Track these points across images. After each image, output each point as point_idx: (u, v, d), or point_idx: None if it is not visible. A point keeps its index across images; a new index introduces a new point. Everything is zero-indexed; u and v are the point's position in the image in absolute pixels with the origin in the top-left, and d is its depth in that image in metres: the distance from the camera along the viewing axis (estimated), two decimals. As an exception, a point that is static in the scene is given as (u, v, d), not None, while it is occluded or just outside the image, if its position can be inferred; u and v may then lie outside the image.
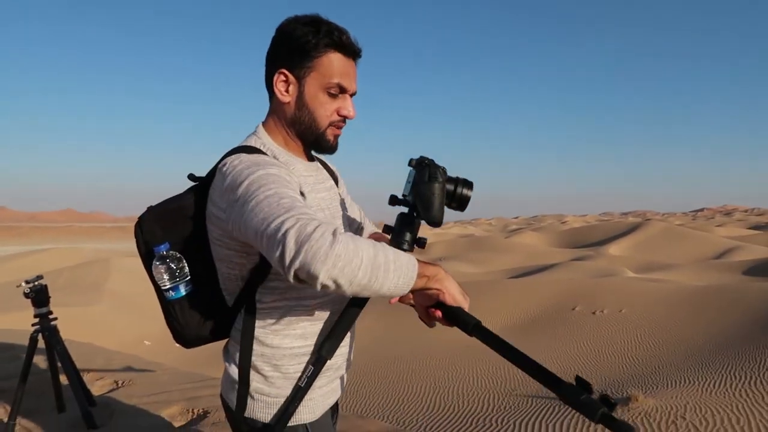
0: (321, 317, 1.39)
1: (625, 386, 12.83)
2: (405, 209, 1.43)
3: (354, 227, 1.63)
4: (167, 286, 1.34)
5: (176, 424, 3.51)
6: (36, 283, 3.21)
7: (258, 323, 1.35)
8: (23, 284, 3.13)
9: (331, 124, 1.38)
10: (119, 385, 4.49)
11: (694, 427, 9.93)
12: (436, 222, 1.35)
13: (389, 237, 1.48)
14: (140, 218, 1.40)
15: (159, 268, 1.34)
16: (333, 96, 1.37)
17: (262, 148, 1.35)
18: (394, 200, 1.44)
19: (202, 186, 1.36)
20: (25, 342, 3.32)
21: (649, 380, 13.38)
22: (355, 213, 1.66)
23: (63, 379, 3.46)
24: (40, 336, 3.27)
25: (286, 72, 1.35)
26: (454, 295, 1.25)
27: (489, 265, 54.25)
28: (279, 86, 1.36)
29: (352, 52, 1.37)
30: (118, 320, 25.27)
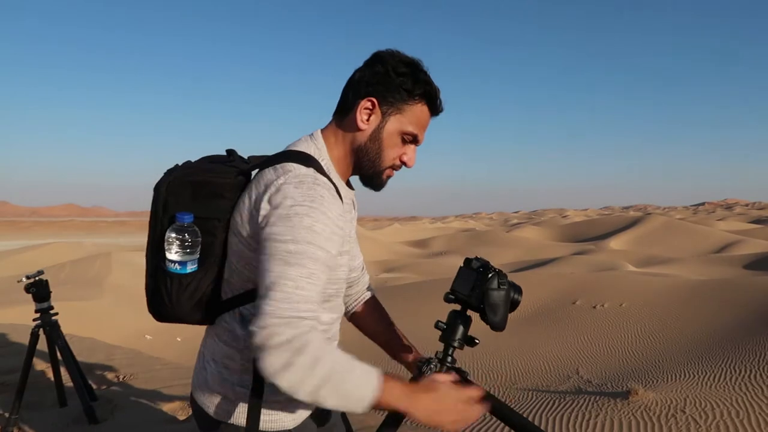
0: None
1: (625, 380, 12.86)
2: (457, 306, 1.51)
3: (355, 265, 1.66)
4: (175, 259, 1.29)
5: (178, 419, 3.53)
6: (37, 278, 3.22)
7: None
8: (24, 279, 3.14)
9: (391, 166, 1.40)
10: (120, 379, 4.50)
11: (693, 421, 9.95)
12: (502, 327, 1.43)
13: (387, 318, 1.70)
14: (172, 179, 1.34)
15: (174, 238, 1.28)
16: (404, 142, 1.39)
17: (317, 158, 1.34)
18: (449, 300, 1.52)
19: (246, 174, 1.34)
20: (27, 337, 3.33)
21: (649, 374, 13.40)
22: (357, 252, 1.67)
23: (64, 373, 3.48)
24: (41, 331, 3.28)
25: (375, 102, 1.34)
26: (428, 421, 1.25)
27: (490, 259, 53.35)
28: (362, 113, 1.35)
29: (436, 110, 1.41)
30: (120, 315, 25.29)
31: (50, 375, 3.47)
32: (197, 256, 1.31)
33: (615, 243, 60.10)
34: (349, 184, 1.47)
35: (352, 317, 1.74)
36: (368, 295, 1.75)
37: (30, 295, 3.24)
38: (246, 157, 1.41)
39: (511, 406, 1.45)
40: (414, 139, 1.39)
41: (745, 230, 74.25)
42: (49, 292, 3.31)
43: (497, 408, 1.44)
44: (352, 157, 1.39)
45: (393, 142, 1.37)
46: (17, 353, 5.01)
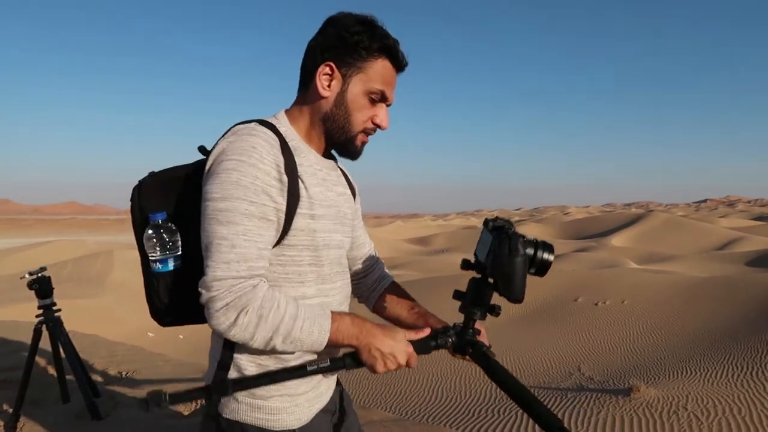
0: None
1: (627, 377, 12.86)
2: (477, 274, 1.37)
3: (362, 253, 1.63)
4: (156, 257, 1.29)
5: (183, 414, 3.54)
6: (39, 274, 3.22)
7: None
8: (27, 276, 3.14)
9: (363, 131, 1.35)
10: (123, 376, 4.51)
11: (695, 417, 9.96)
12: (518, 300, 1.29)
13: (408, 301, 1.57)
14: (141, 182, 1.34)
15: (151, 237, 1.28)
16: (372, 102, 1.33)
17: (276, 126, 1.31)
18: (467, 265, 1.40)
19: (204, 154, 1.31)
20: (29, 334, 3.33)
21: (651, 371, 13.41)
22: (365, 240, 1.64)
23: (67, 369, 3.48)
24: (44, 327, 3.29)
25: (333, 66, 1.30)
26: (374, 355, 1.27)
27: (491, 256, 54.21)
28: (322, 79, 1.30)
29: (399, 63, 1.35)
30: (122, 312, 25.32)
31: (53, 371, 3.48)
32: (179, 252, 1.30)
33: (617, 240, 60.04)
34: (328, 157, 1.43)
35: (375, 308, 1.67)
36: (386, 282, 1.68)
37: (33, 292, 3.25)
38: None
39: (513, 403, 1.40)
40: (382, 97, 1.34)
41: (747, 227, 74.14)
42: (52, 289, 3.31)
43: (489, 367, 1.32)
44: (321, 127, 1.35)
45: (360, 104, 1.32)
46: (20, 350, 5.03)
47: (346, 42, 1.28)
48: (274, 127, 1.29)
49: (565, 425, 1.34)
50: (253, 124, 1.26)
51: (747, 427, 9.61)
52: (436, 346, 1.35)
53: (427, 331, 1.36)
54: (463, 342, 1.36)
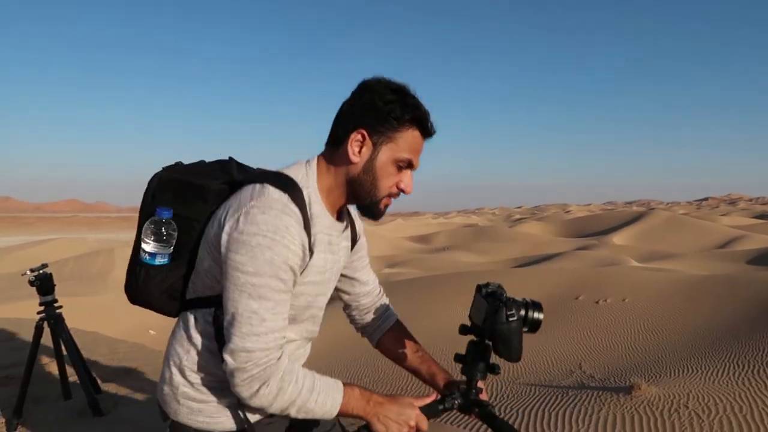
0: None
1: (627, 375, 12.85)
2: (474, 337, 1.47)
3: (366, 290, 1.71)
4: (147, 249, 1.36)
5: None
6: (41, 271, 3.22)
7: (203, 330, 1.38)
8: (28, 272, 3.15)
9: (388, 195, 1.40)
10: (124, 373, 4.52)
11: (696, 416, 9.95)
12: (517, 360, 1.41)
13: (413, 343, 1.68)
14: (164, 174, 1.41)
15: (150, 229, 1.35)
16: (399, 168, 1.38)
17: (301, 186, 1.34)
18: (465, 329, 1.50)
19: (230, 185, 1.37)
20: (31, 331, 3.34)
21: (652, 369, 13.40)
22: (368, 278, 1.72)
23: (68, 366, 3.48)
24: (45, 324, 3.29)
25: (365, 134, 1.34)
26: (384, 422, 1.36)
27: (493, 254, 54.28)
28: (353, 145, 1.34)
29: (428, 132, 1.39)
30: (123, 310, 25.30)
31: (54, 368, 3.48)
32: (169, 251, 1.37)
33: (618, 238, 60.01)
34: (341, 217, 1.48)
35: (378, 344, 1.75)
36: (392, 320, 1.76)
37: (34, 289, 3.25)
38: (246, 167, 1.46)
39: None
40: (409, 165, 1.39)
41: (748, 225, 74.04)
42: (53, 285, 3.31)
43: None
44: (346, 187, 1.39)
45: (387, 172, 1.37)
46: (22, 347, 5.03)
47: (379, 111, 1.32)
48: (300, 193, 1.33)
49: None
50: (286, 197, 1.29)
51: (748, 425, 9.60)
52: (444, 409, 1.46)
53: (432, 397, 1.47)
54: (468, 403, 1.47)
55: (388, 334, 1.74)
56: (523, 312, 1.41)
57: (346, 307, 1.75)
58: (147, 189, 1.42)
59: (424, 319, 18.05)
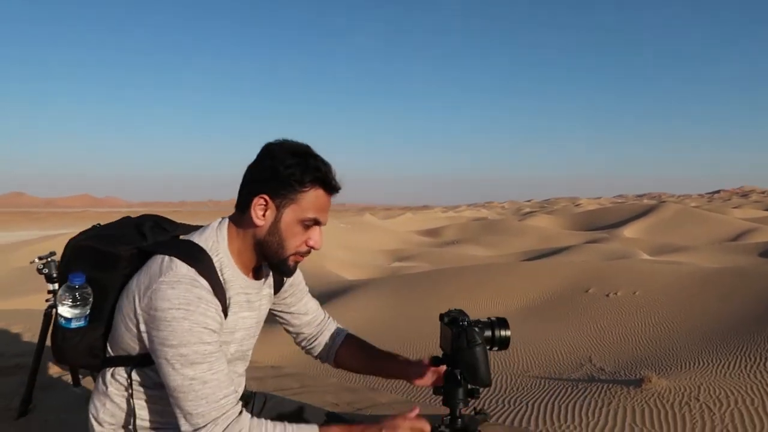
0: None
1: (638, 368, 12.80)
2: (448, 366, 1.47)
3: (309, 319, 1.75)
4: (62, 314, 1.40)
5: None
6: (49, 259, 3.23)
7: (118, 386, 1.43)
8: (36, 260, 3.15)
9: (296, 253, 1.42)
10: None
11: (707, 408, 9.89)
12: (485, 384, 1.40)
13: (370, 347, 1.69)
14: (77, 242, 1.47)
15: (64, 294, 1.38)
16: (306, 227, 1.40)
17: (210, 252, 1.38)
18: (437, 360, 1.53)
19: (145, 252, 1.40)
20: (41, 319, 3.35)
21: (663, 362, 13.34)
22: (309, 307, 1.75)
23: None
24: (54, 312, 3.29)
25: (267, 198, 1.37)
26: None
27: (502, 248, 54.15)
28: (257, 210, 1.37)
29: (333, 189, 1.42)
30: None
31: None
32: (85, 313, 1.41)
33: (628, 231, 59.70)
34: (257, 274, 1.51)
35: (336, 363, 1.79)
36: (342, 337, 1.79)
37: (43, 279, 3.26)
38: (165, 225, 1.51)
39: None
40: (316, 222, 1.41)
41: (761, 218, 73.36)
42: (61, 273, 3.31)
43: None
44: (255, 249, 1.42)
45: (293, 232, 1.39)
46: (32, 337, 5.07)
47: (280, 175, 1.34)
48: (210, 263, 1.37)
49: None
50: (193, 272, 1.32)
51: (760, 417, 9.55)
52: None
53: (416, 411, 1.45)
54: None
55: (341, 350, 1.77)
56: (489, 332, 1.42)
57: (295, 338, 1.80)
58: (62, 256, 1.50)
59: (433, 310, 17.96)
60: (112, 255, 1.41)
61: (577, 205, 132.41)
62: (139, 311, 1.31)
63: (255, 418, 1.33)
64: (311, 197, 1.38)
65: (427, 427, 1.41)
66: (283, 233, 1.39)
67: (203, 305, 1.29)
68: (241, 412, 1.31)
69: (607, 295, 20.68)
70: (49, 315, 3.28)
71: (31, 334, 5.23)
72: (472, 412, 1.53)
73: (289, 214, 1.38)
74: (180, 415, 1.29)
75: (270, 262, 1.45)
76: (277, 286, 1.63)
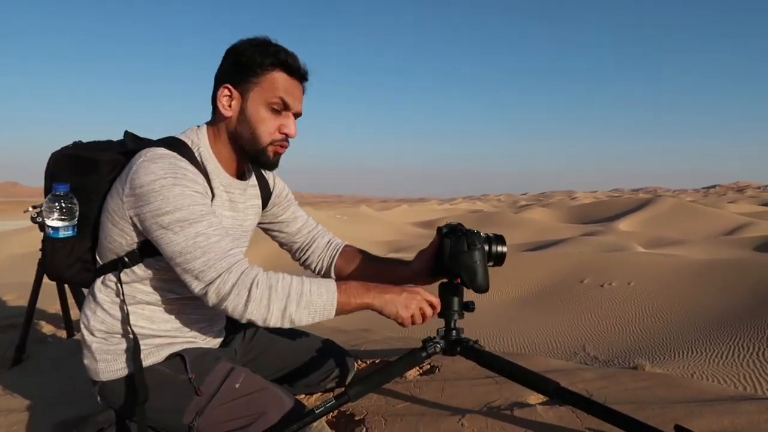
0: (177, 309, 1.44)
1: (632, 356, 12.86)
2: (444, 278, 1.48)
3: (298, 227, 1.72)
4: (50, 224, 1.40)
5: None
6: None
7: (107, 289, 1.42)
8: (30, 209, 3.12)
9: (273, 142, 1.40)
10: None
11: (700, 395, 9.96)
12: (483, 289, 1.39)
13: (370, 255, 1.65)
14: (58, 152, 1.45)
15: (50, 205, 1.39)
16: (276, 112, 1.38)
17: (191, 146, 1.38)
18: (433, 272, 1.53)
19: (127, 154, 1.39)
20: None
21: (657, 351, 13.41)
22: (298, 214, 1.73)
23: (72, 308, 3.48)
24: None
25: (230, 87, 1.37)
26: (393, 315, 1.36)
27: (498, 240, 54.09)
28: (222, 101, 1.38)
29: (297, 73, 1.40)
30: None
31: (57, 309, 3.50)
32: (73, 223, 1.41)
33: (624, 225, 59.78)
34: (242, 177, 1.51)
35: (336, 273, 1.74)
36: (339, 246, 1.76)
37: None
38: (145, 138, 1.48)
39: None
40: (285, 106, 1.39)
41: (756, 212, 73.52)
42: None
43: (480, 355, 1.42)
44: (232, 144, 1.42)
45: (262, 116, 1.38)
46: (24, 302, 5.06)
47: (240, 63, 1.35)
48: (190, 151, 1.36)
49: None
50: (174, 152, 1.32)
51: (752, 404, 9.63)
52: (427, 356, 1.43)
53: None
54: (450, 344, 1.44)
55: (340, 260, 1.73)
56: (486, 246, 1.43)
57: (289, 250, 1.77)
58: (46, 169, 1.48)
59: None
60: (92, 160, 1.39)
61: (573, 199, 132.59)
62: (125, 198, 1.29)
63: (270, 271, 1.30)
64: (273, 79, 1.37)
65: (438, 305, 1.41)
66: (251, 120, 1.38)
67: (190, 174, 1.29)
68: (251, 265, 1.29)
69: (602, 286, 20.72)
70: (43, 264, 3.26)
71: (23, 300, 5.25)
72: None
73: (254, 99, 1.37)
74: (190, 279, 1.25)
75: (249, 155, 1.43)
76: (265, 201, 1.62)
